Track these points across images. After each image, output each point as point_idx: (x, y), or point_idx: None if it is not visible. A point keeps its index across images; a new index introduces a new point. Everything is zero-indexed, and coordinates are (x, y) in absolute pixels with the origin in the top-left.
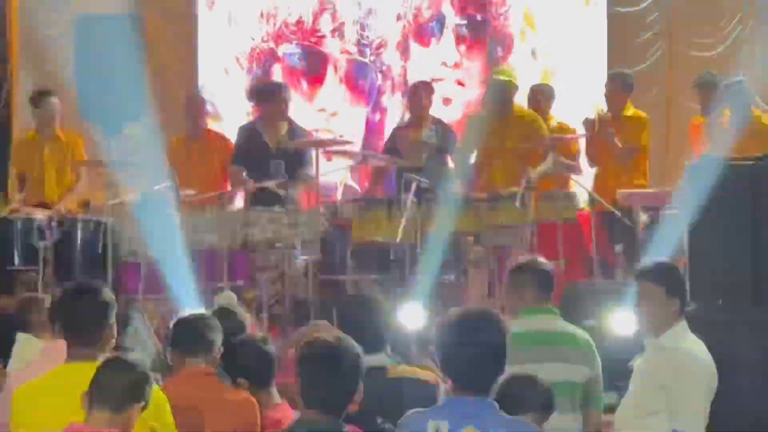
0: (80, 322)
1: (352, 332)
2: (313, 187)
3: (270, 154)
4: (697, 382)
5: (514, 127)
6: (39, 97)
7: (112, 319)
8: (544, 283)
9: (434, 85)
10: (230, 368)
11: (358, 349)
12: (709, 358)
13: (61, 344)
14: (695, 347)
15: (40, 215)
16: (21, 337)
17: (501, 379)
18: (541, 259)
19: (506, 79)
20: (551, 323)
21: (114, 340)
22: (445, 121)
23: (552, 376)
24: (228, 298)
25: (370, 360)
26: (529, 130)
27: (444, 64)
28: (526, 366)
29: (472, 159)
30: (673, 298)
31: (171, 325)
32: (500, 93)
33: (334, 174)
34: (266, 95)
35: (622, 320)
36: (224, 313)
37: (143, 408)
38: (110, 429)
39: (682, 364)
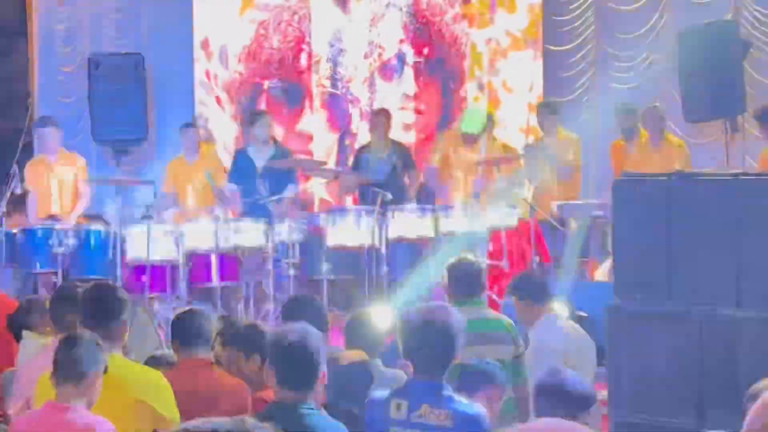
0: (100, 318)
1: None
2: (295, 200)
3: (257, 174)
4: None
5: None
6: (37, 125)
7: (126, 315)
8: (472, 278)
9: (398, 112)
10: (248, 346)
11: (320, 336)
12: (561, 347)
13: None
14: (550, 338)
15: (59, 226)
16: (26, 334)
17: (459, 364)
18: (471, 258)
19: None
20: (480, 312)
21: (127, 334)
22: (405, 143)
23: (483, 356)
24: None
25: None
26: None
27: (405, 95)
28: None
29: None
30: (526, 302)
31: (171, 320)
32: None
33: (314, 189)
34: (251, 120)
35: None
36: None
37: (102, 373)
38: (76, 400)
39: (536, 351)
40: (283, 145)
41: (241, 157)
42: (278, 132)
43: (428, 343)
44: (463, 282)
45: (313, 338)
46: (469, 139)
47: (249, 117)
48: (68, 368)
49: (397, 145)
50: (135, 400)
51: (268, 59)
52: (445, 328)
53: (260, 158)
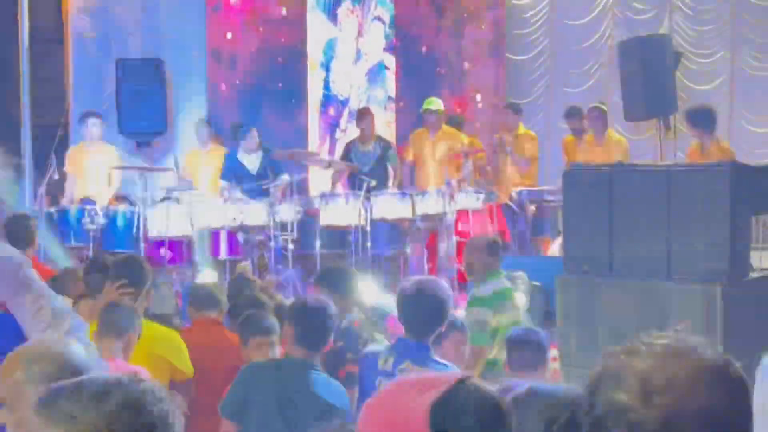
0: (128, 285)
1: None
2: (291, 186)
3: (248, 174)
4: None
5: (442, 141)
6: (84, 117)
7: (150, 283)
8: (495, 252)
9: (382, 111)
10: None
11: (335, 310)
12: None
13: (91, 304)
14: None
15: (90, 206)
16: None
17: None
18: (498, 237)
19: (437, 108)
20: (502, 283)
21: (149, 299)
22: (388, 138)
23: (506, 318)
24: (244, 267)
25: None
26: (453, 143)
27: (388, 97)
28: (491, 314)
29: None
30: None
31: (189, 287)
32: (435, 117)
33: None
34: (240, 133)
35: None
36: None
37: (137, 334)
38: (116, 354)
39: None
40: (266, 144)
41: (231, 160)
42: (279, 128)
43: (418, 309)
44: (487, 256)
45: (330, 308)
46: (430, 117)
47: (236, 130)
48: (111, 327)
49: (381, 139)
50: (154, 355)
51: (271, 65)
52: (434, 297)
53: (251, 161)
